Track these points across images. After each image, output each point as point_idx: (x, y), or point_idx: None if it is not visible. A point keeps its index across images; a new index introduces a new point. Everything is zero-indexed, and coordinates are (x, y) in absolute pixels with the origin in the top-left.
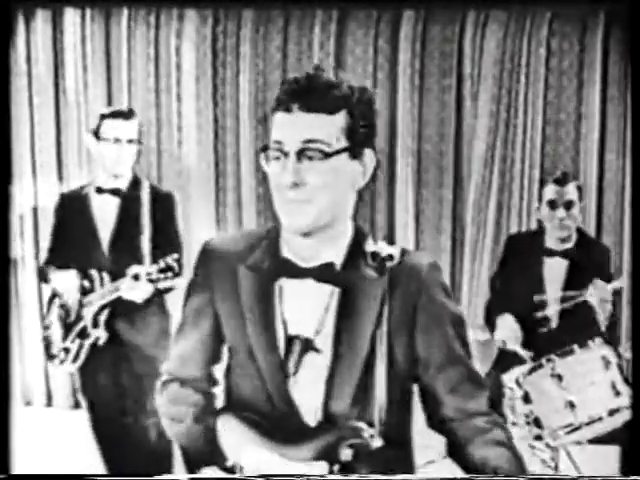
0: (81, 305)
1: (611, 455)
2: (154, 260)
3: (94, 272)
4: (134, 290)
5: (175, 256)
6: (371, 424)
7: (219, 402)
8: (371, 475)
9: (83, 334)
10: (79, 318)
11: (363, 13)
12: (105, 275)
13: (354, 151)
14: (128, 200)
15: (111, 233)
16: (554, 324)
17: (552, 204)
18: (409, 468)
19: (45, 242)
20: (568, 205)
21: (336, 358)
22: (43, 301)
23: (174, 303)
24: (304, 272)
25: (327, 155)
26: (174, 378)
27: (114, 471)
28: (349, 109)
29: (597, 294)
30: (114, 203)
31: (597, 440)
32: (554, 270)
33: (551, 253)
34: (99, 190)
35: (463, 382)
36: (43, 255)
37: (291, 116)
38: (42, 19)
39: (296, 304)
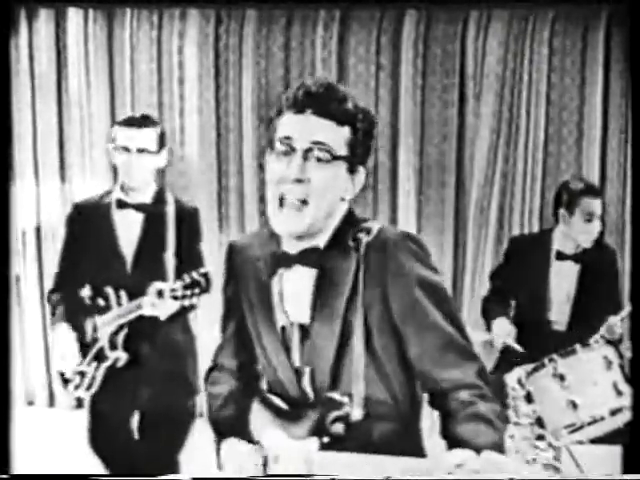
0: (95, 328)
1: (613, 455)
2: (179, 277)
3: (109, 290)
4: (157, 307)
5: (202, 270)
6: (350, 396)
7: (254, 388)
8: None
9: (100, 357)
10: (94, 340)
11: (366, 12)
12: (123, 294)
13: (352, 165)
14: (152, 216)
15: (134, 250)
16: (562, 327)
17: (590, 216)
18: (418, 450)
19: (47, 244)
20: (600, 218)
21: (316, 334)
22: (44, 305)
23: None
24: (292, 259)
25: (334, 157)
26: (217, 364)
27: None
28: (353, 125)
29: (609, 330)
30: (138, 218)
31: (599, 440)
32: (564, 274)
33: (563, 257)
34: (121, 204)
35: (444, 351)
36: (51, 269)
37: (303, 117)
38: (45, 18)
39: (292, 292)
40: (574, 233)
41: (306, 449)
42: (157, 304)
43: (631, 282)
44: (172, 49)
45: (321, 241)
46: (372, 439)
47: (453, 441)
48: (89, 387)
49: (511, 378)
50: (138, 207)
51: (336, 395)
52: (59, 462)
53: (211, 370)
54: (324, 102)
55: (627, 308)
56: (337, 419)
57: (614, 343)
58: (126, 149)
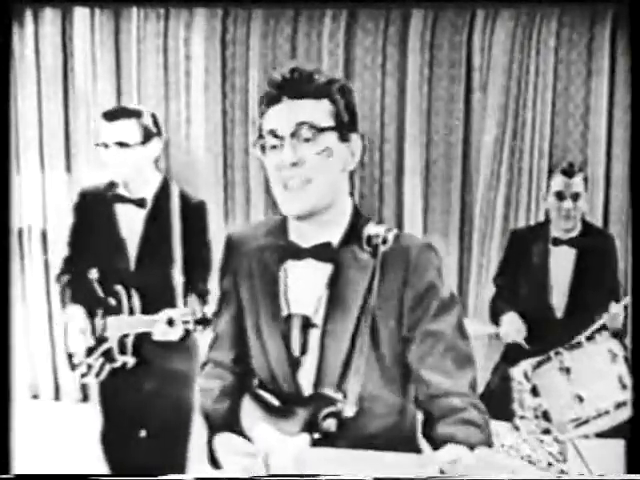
0: (105, 327)
1: (618, 449)
2: (185, 277)
3: (120, 288)
4: (167, 334)
5: (205, 311)
6: (345, 393)
7: (248, 383)
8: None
9: (107, 355)
10: (103, 339)
11: (373, 4)
12: (134, 293)
13: (342, 134)
14: (155, 211)
15: (138, 246)
16: (561, 313)
17: (559, 195)
18: (414, 447)
19: (53, 235)
20: (575, 197)
21: (326, 333)
22: (50, 295)
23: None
24: (305, 252)
25: (319, 130)
26: (210, 360)
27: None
28: (330, 97)
29: (611, 319)
30: (140, 214)
31: (604, 433)
32: (561, 259)
33: (557, 242)
34: (121, 199)
35: (444, 357)
36: (61, 253)
37: (280, 106)
38: (51, 11)
39: (299, 284)
40: (551, 213)
41: (297, 445)
42: (168, 331)
43: (633, 271)
44: (179, 41)
45: (334, 237)
46: (365, 436)
47: (441, 441)
48: (97, 376)
49: (517, 371)
50: (139, 202)
51: (329, 391)
52: (64, 456)
53: (204, 365)
54: (295, 84)
55: (628, 297)
56: (329, 415)
57: (618, 335)
58: (105, 144)
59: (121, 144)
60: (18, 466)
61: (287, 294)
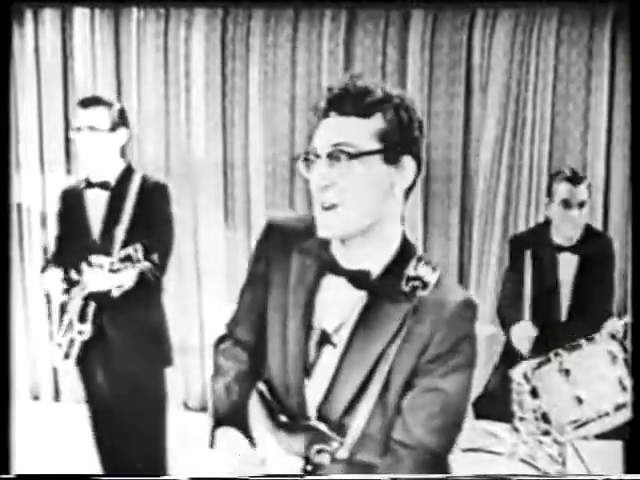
0: (67, 299)
1: (617, 450)
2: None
3: (84, 265)
4: (100, 281)
5: (137, 246)
6: (344, 433)
7: (259, 371)
8: (373, 475)
9: (71, 329)
10: (64, 312)
11: (373, 5)
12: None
13: (388, 155)
14: (117, 193)
15: (101, 226)
16: (563, 316)
17: (566, 204)
18: None
19: (52, 237)
20: (581, 205)
21: (344, 361)
22: (50, 296)
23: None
24: (342, 272)
25: (351, 156)
26: (231, 336)
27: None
28: (383, 113)
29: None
30: (104, 196)
31: (603, 435)
32: (563, 265)
33: (560, 249)
34: (89, 184)
35: (435, 418)
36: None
37: (325, 122)
38: (51, 10)
39: (327, 298)
40: (556, 220)
41: (291, 466)
42: (99, 277)
43: (632, 272)
44: (179, 40)
45: (375, 266)
46: (359, 464)
47: None
48: (66, 357)
49: (517, 373)
50: (102, 185)
51: (326, 428)
52: (64, 456)
53: (223, 338)
54: (344, 100)
55: (629, 315)
56: (323, 451)
57: (618, 337)
58: (78, 128)
59: (91, 128)
60: (18, 466)
61: (315, 306)
